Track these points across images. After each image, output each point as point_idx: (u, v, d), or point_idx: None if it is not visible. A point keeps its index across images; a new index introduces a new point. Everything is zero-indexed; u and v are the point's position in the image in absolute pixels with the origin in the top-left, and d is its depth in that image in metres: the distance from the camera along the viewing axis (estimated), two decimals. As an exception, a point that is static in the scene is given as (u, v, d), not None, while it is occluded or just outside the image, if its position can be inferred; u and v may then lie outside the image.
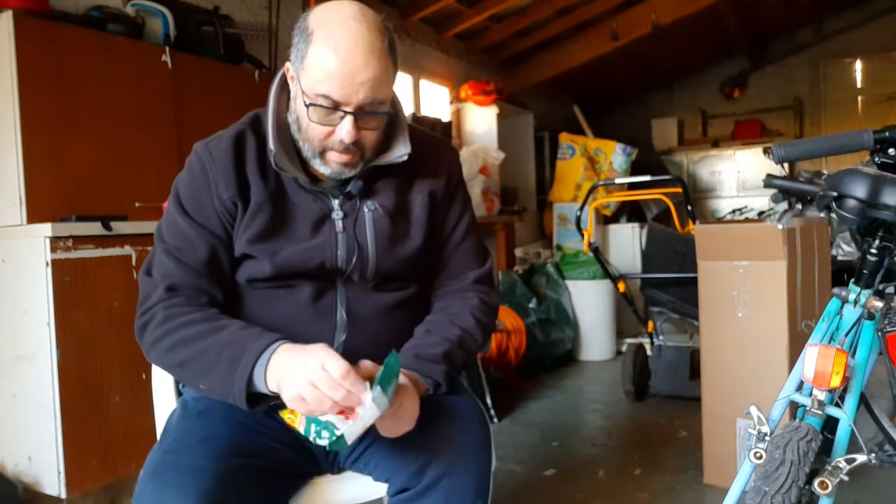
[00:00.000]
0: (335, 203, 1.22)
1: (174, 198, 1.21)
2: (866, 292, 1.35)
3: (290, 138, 1.21)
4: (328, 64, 1.07)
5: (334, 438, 1.00)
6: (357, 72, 1.07)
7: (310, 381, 0.99)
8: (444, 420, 1.18)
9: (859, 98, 7.42)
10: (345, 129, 1.11)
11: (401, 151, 1.22)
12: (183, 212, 1.19)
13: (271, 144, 1.16)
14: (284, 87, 1.23)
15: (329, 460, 1.29)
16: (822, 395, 1.26)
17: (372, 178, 1.23)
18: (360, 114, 1.11)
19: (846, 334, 1.36)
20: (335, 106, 1.10)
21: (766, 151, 1.38)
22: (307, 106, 1.11)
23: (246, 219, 1.18)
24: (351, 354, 1.17)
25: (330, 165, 1.17)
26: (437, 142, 1.36)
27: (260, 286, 1.21)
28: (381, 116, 1.15)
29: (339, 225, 1.21)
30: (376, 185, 1.24)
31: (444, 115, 5.20)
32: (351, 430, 1.01)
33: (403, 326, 1.26)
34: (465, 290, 1.30)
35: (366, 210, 1.22)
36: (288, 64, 1.18)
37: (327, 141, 1.14)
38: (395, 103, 1.24)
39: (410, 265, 1.26)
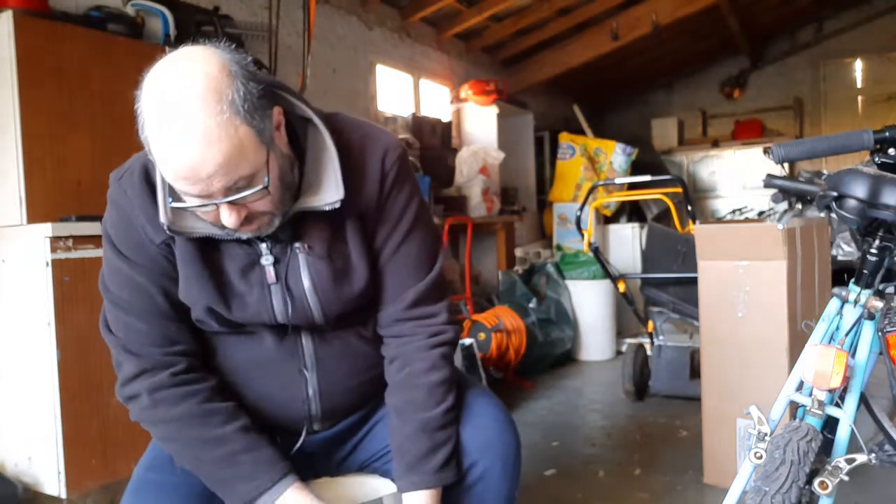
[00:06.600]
0: (263, 247, 1.09)
1: (107, 241, 1.11)
2: (866, 292, 1.34)
3: None
4: (167, 166, 0.93)
5: None
6: (198, 166, 0.90)
7: None
8: (479, 425, 1.18)
9: (859, 98, 7.41)
10: (225, 219, 0.98)
11: (331, 197, 1.05)
12: (120, 255, 1.09)
13: (163, 218, 1.01)
14: None
15: (333, 464, 1.29)
16: (822, 395, 1.26)
17: (300, 220, 1.09)
18: (232, 199, 0.95)
19: (846, 334, 1.36)
20: (202, 200, 0.96)
21: (766, 151, 1.38)
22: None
23: (178, 268, 1.08)
24: (326, 393, 1.16)
25: (242, 235, 1.04)
26: (364, 141, 1.13)
27: (219, 332, 1.13)
28: (260, 192, 0.97)
29: (270, 273, 1.09)
30: (306, 226, 1.10)
31: (444, 115, 5.20)
32: None
33: (375, 359, 1.20)
34: (407, 320, 1.16)
35: (298, 253, 1.09)
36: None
37: (220, 223, 1.00)
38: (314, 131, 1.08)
39: (362, 301, 1.15)
